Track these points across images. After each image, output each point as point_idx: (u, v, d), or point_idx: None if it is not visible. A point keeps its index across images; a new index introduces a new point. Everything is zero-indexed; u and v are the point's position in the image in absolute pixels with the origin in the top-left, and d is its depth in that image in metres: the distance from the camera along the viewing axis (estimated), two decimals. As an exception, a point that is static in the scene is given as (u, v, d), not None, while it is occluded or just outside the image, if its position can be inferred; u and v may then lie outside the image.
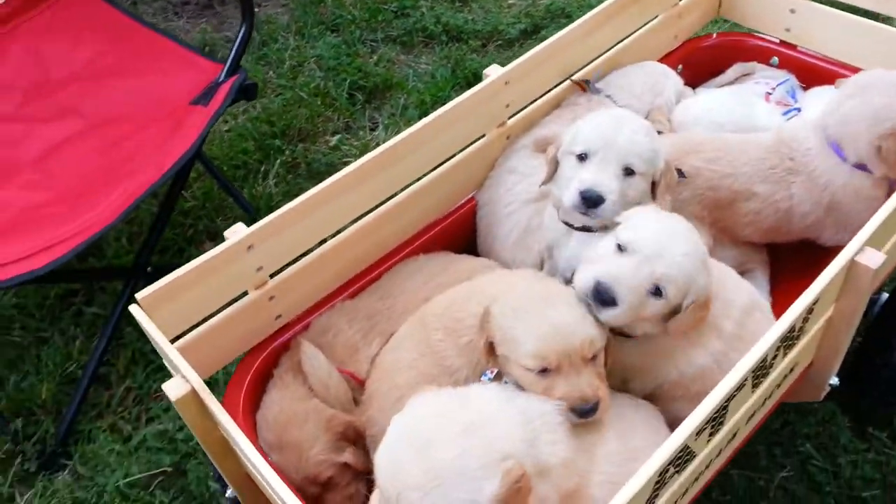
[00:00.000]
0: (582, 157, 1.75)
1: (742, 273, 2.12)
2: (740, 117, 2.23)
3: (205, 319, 1.77)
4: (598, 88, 2.34)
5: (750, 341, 1.42)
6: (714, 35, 2.76)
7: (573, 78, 2.33)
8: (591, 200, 1.67)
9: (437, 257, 2.12)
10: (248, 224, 1.75)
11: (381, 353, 1.87)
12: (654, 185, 1.77)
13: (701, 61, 2.70)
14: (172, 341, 1.72)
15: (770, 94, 2.33)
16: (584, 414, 1.46)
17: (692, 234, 1.54)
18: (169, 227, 2.88)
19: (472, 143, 2.16)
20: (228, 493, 1.91)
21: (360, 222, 2.01)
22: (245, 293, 1.83)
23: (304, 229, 1.85)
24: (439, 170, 2.12)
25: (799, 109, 2.28)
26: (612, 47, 2.46)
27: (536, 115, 2.28)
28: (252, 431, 1.78)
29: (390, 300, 1.98)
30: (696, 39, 2.73)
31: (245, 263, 1.75)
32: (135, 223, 3.02)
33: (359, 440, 1.79)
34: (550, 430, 1.40)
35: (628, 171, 1.72)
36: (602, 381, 1.49)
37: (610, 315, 1.48)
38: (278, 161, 3.23)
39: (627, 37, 2.49)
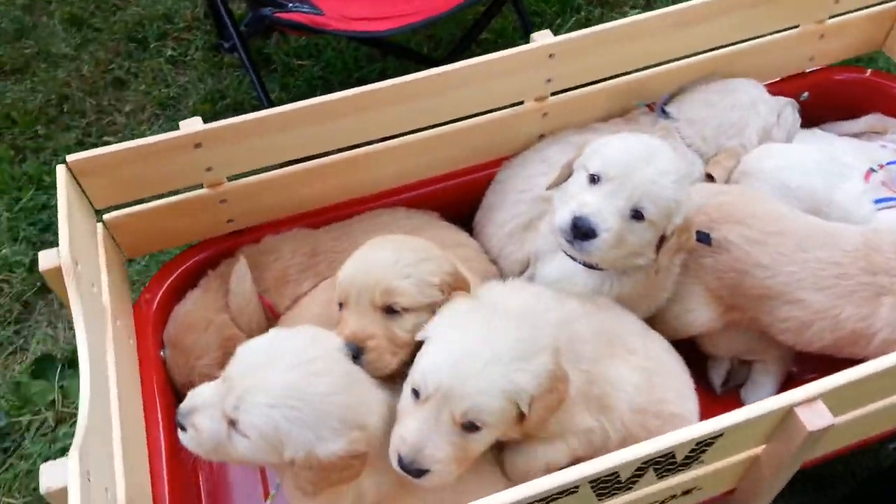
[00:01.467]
0: (594, 179, 1.48)
1: (747, 363, 1.80)
2: (817, 187, 1.79)
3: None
4: (667, 112, 1.98)
5: None
6: (868, 72, 2.25)
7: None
8: (581, 230, 1.45)
9: (418, 217, 1.95)
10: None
11: (306, 297, 1.78)
12: (663, 238, 1.49)
13: (837, 96, 2.23)
14: (102, 213, 1.74)
15: (874, 171, 1.84)
16: (353, 356, 1.36)
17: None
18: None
19: (504, 109, 1.93)
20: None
21: (345, 154, 1.88)
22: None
23: (268, 145, 1.74)
24: (457, 125, 1.93)
25: (900, 200, 1.80)
26: (716, 49, 2.06)
27: (581, 105, 1.98)
28: (156, 323, 1.77)
29: (341, 243, 1.86)
30: (839, 69, 2.24)
31: (192, 159, 1.69)
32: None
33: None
34: None
35: (637, 215, 1.46)
36: (393, 344, 1.40)
37: (594, 247, 1.43)
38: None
39: (744, 41, 2.08)
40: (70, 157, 1.59)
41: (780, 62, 2.17)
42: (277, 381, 1.24)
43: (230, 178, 1.83)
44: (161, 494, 1.50)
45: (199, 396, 1.32)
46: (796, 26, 2.13)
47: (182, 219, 1.82)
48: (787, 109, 2.06)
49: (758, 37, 2.10)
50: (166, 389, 1.70)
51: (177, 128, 1.66)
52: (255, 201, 1.86)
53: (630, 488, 1.23)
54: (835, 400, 1.20)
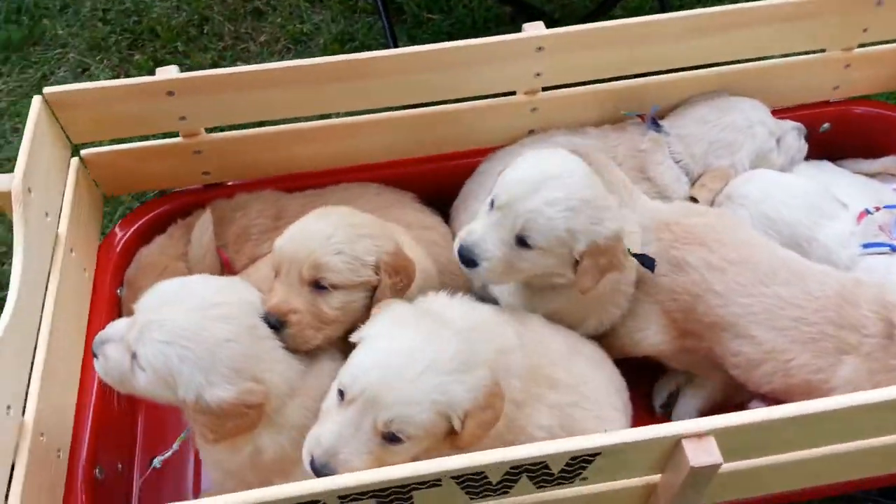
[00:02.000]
0: (491, 205, 1.46)
1: (686, 380, 1.73)
2: (800, 222, 1.68)
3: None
4: (659, 125, 1.90)
5: None
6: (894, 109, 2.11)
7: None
8: (463, 258, 1.46)
9: (389, 194, 1.94)
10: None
11: (261, 259, 1.80)
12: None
13: (858, 131, 2.10)
14: (80, 148, 1.79)
15: (870, 213, 1.72)
16: (272, 326, 1.35)
17: (565, 178, 1.41)
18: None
19: (494, 97, 1.90)
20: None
21: (326, 121, 1.88)
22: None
23: (245, 102, 1.76)
24: (444, 106, 1.91)
25: (894, 248, 1.65)
26: (728, 64, 1.96)
27: (572, 104, 1.93)
28: (118, 262, 1.82)
29: (307, 210, 1.85)
30: (862, 102, 2.11)
31: (165, 106, 1.72)
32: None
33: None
34: None
35: (522, 242, 1.43)
36: (316, 319, 1.38)
37: (476, 274, 1.46)
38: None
39: (761, 59, 1.97)
40: (47, 90, 1.65)
41: (800, 88, 2.06)
42: (177, 319, 1.26)
43: (209, 131, 1.86)
44: (83, 426, 1.53)
45: (113, 327, 1.36)
46: (822, 51, 2.01)
47: (157, 164, 1.86)
48: (791, 135, 1.94)
49: (778, 56, 1.99)
50: (115, 326, 1.74)
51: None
52: (231, 157, 1.88)
53: (505, 493, 1.19)
54: (730, 440, 1.13)
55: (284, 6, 2.99)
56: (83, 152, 1.80)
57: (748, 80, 1.98)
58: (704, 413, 1.68)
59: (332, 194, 1.91)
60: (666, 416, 1.76)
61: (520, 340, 1.37)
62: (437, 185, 1.97)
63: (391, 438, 1.16)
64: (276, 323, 1.37)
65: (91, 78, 2.71)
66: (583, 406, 1.44)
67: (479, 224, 1.47)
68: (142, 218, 1.90)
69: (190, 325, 1.25)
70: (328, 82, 1.76)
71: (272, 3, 3.01)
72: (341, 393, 1.20)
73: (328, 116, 1.93)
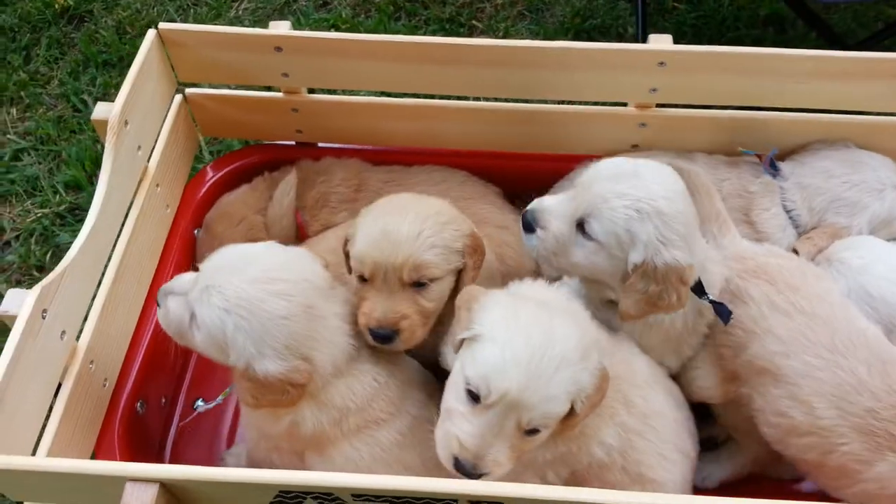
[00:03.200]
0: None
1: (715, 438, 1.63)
2: None
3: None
4: (778, 169, 1.75)
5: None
6: None
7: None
8: (525, 221, 1.46)
9: (473, 185, 1.88)
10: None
11: (331, 229, 1.79)
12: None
13: None
14: (185, 87, 1.82)
15: None
16: (378, 338, 1.36)
17: (660, 183, 1.34)
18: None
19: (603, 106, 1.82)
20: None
21: (424, 101, 1.85)
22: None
23: (348, 69, 1.74)
24: (549, 105, 1.84)
25: None
26: (859, 114, 1.79)
27: (683, 126, 1.81)
28: (201, 203, 1.86)
29: (389, 186, 1.84)
30: None
31: (270, 60, 1.72)
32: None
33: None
34: None
35: (582, 228, 1.38)
36: (423, 317, 1.39)
37: (530, 242, 1.43)
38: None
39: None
40: (162, 25, 1.67)
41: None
42: (238, 288, 1.26)
43: (310, 91, 1.85)
44: (133, 361, 1.58)
45: (178, 281, 1.37)
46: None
47: (255, 115, 1.87)
48: None
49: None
50: (186, 264, 1.78)
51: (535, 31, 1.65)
52: (326, 120, 1.87)
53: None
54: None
55: (529, -29, 2.92)
56: (188, 91, 1.83)
57: (885, 134, 1.80)
58: (731, 481, 1.59)
59: (416, 175, 1.87)
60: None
61: (608, 347, 1.32)
62: (526, 184, 1.89)
63: (532, 431, 1.18)
64: (391, 334, 1.35)
65: (331, 12, 2.84)
66: (648, 438, 1.37)
67: (553, 197, 1.45)
68: (232, 164, 1.92)
69: (249, 296, 1.25)
70: (431, 63, 1.71)
71: (516, -35, 2.94)
72: (470, 393, 1.18)
73: (432, 97, 1.89)
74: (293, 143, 1.94)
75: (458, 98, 1.84)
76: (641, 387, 1.38)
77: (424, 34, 2.69)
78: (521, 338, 1.17)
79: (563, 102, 1.84)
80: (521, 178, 1.89)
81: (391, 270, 1.36)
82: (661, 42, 1.67)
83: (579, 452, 1.31)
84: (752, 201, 1.72)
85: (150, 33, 1.66)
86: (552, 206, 1.41)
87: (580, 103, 1.82)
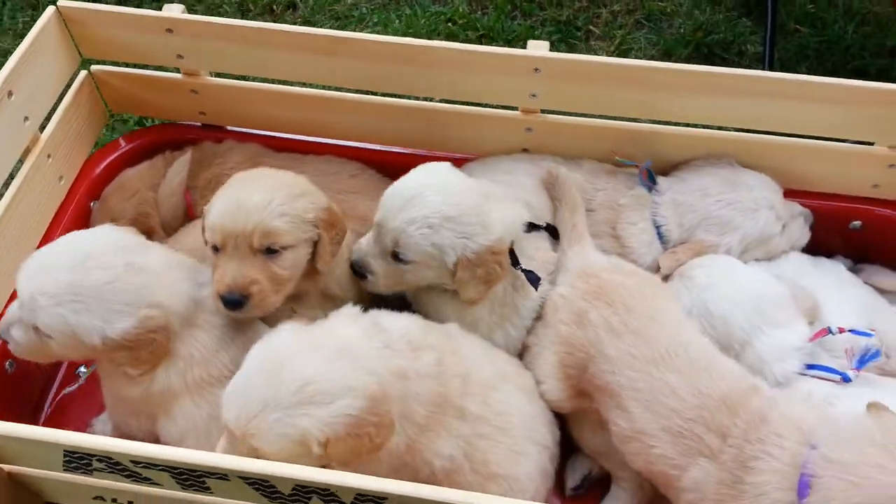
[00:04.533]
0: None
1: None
2: (738, 322, 1.51)
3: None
4: (655, 183, 1.76)
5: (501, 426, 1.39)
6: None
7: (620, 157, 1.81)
8: (355, 271, 1.58)
9: (365, 177, 1.92)
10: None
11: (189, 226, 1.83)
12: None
13: (890, 239, 1.87)
14: (89, 63, 1.88)
15: (831, 332, 1.51)
16: (228, 304, 1.40)
17: (438, 193, 1.47)
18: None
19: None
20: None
21: (322, 91, 1.90)
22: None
23: (245, 56, 1.79)
24: (440, 104, 1.88)
25: (847, 378, 1.46)
26: (749, 132, 1.80)
27: (567, 134, 1.83)
28: (99, 179, 1.91)
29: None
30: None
31: (164, 41, 1.77)
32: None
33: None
34: None
35: (397, 257, 1.51)
36: (275, 284, 1.44)
37: (368, 285, 1.56)
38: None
39: (790, 135, 1.80)
40: (62, 3, 1.73)
41: (834, 176, 1.85)
42: (56, 280, 1.31)
43: (213, 75, 1.90)
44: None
45: (9, 311, 1.42)
46: (871, 143, 1.80)
47: (156, 94, 1.93)
48: (798, 221, 1.78)
49: (811, 137, 1.80)
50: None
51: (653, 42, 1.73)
52: (227, 104, 1.92)
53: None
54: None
55: (647, -21, 2.88)
56: (94, 68, 1.90)
57: (771, 153, 1.81)
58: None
59: (309, 163, 1.91)
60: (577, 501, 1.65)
61: (438, 368, 1.34)
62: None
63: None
64: (240, 299, 1.41)
65: (447, 5, 2.87)
66: (495, 438, 1.42)
67: (365, 239, 1.56)
68: (136, 140, 1.98)
69: (69, 281, 1.30)
70: (324, 55, 1.76)
71: (635, -28, 2.90)
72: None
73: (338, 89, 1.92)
74: (199, 124, 2.00)
75: (363, 92, 1.87)
76: (479, 393, 1.41)
77: (540, 35, 2.72)
78: (243, 374, 1.24)
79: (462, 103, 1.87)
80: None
81: (241, 238, 1.41)
82: (537, 48, 1.69)
83: (417, 464, 1.33)
84: (620, 214, 1.74)
85: (50, 9, 1.72)
86: (368, 251, 1.54)
87: (473, 105, 1.85)
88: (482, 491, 1.34)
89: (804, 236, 1.80)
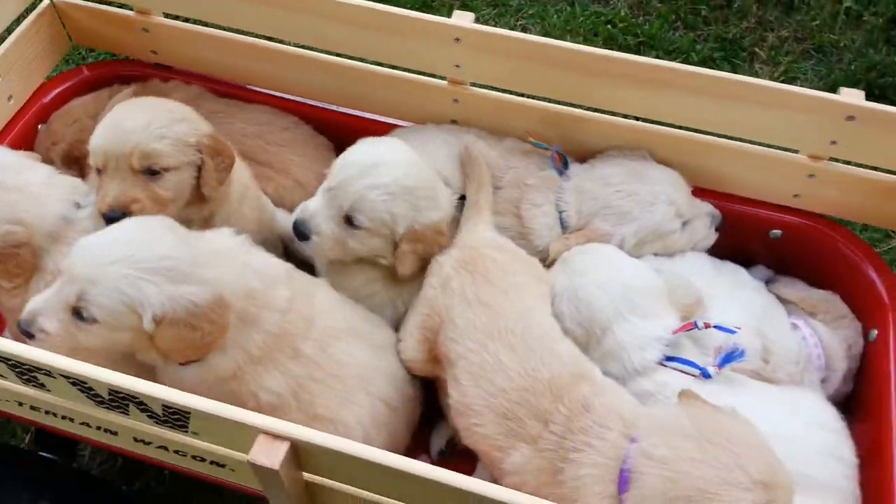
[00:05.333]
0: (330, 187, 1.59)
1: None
2: (601, 309, 1.50)
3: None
4: (567, 167, 1.78)
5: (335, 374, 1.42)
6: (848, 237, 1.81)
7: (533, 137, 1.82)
8: (298, 232, 1.59)
9: (298, 134, 1.98)
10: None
11: None
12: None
13: (806, 252, 1.84)
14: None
15: (697, 326, 1.50)
16: (110, 222, 1.44)
17: (398, 165, 1.53)
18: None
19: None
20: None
21: (270, 43, 1.96)
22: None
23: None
24: (372, 66, 1.91)
25: (706, 374, 1.45)
26: (680, 129, 1.79)
27: (492, 109, 1.86)
28: (50, 105, 2.01)
29: (216, 117, 1.95)
30: (821, 221, 1.83)
31: (115, -22, 1.86)
32: None
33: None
34: None
35: (350, 222, 1.55)
36: (157, 204, 1.50)
37: (308, 247, 1.58)
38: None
39: (724, 136, 1.78)
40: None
41: (754, 181, 1.83)
42: None
43: (167, 16, 1.98)
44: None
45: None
46: (795, 151, 1.77)
47: (112, 29, 2.01)
48: (701, 221, 1.76)
49: (738, 139, 1.78)
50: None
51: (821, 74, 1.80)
52: (177, 46, 2.00)
53: (125, 413, 1.25)
54: (314, 458, 1.11)
55: (822, 10, 2.78)
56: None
57: (692, 150, 1.80)
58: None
59: (246, 111, 1.98)
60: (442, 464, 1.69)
61: (288, 305, 1.40)
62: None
63: (79, 315, 1.27)
64: (122, 217, 1.46)
65: (609, 6, 2.85)
66: (327, 384, 1.46)
67: (314, 202, 1.58)
68: (78, 75, 2.07)
69: None
70: (278, 7, 1.81)
71: (810, 0, 2.82)
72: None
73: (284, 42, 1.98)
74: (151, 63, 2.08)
75: (307, 48, 1.92)
76: (319, 339, 1.45)
77: (702, 50, 2.67)
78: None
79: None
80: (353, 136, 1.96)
81: (122, 159, 1.48)
82: (460, 18, 1.72)
83: (243, 395, 1.38)
84: (525, 194, 1.75)
85: (11, -64, 1.82)
86: (318, 210, 1.56)
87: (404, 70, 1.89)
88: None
89: (709, 237, 1.78)
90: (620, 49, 2.64)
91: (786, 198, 1.83)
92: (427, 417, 1.67)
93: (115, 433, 1.38)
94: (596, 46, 1.58)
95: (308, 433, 1.10)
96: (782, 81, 2.42)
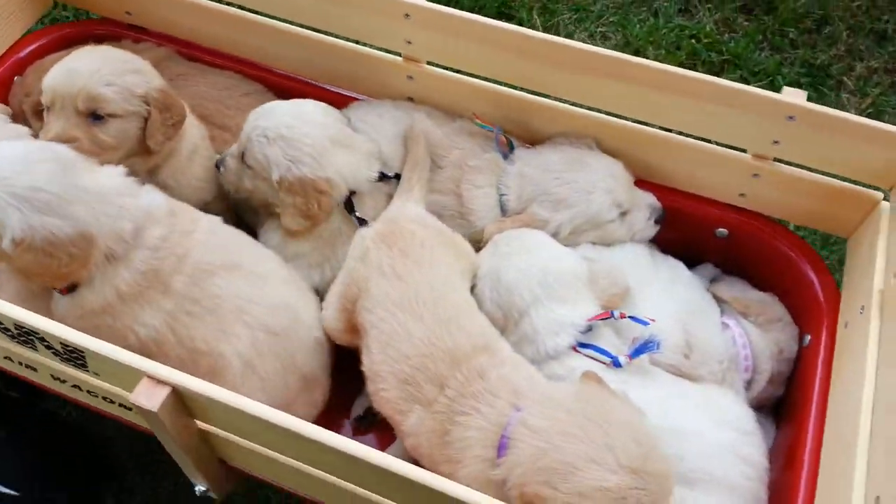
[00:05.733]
0: None
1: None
2: (520, 292, 1.53)
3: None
4: (512, 151, 1.79)
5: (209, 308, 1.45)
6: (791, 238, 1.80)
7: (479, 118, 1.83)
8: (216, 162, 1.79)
9: (258, 101, 2.01)
10: None
11: None
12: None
13: (750, 253, 1.84)
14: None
15: (613, 316, 1.52)
16: None
17: (285, 115, 1.63)
18: None
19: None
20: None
21: (240, 12, 1.99)
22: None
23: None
24: (332, 39, 1.94)
25: (616, 363, 1.47)
26: (626, 120, 1.79)
27: (445, 88, 1.87)
28: (26, 60, 2.07)
29: (184, 80, 1.99)
30: (765, 222, 1.82)
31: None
32: None
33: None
34: None
35: (244, 160, 1.68)
36: (97, 147, 1.57)
37: (221, 175, 1.77)
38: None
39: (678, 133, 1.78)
40: None
41: (701, 178, 1.82)
42: None
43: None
44: None
45: None
46: (744, 151, 1.76)
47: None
48: (641, 212, 1.76)
49: (684, 134, 1.78)
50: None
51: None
52: (150, 6, 2.05)
53: (34, 349, 1.31)
54: (197, 405, 1.15)
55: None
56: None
57: (639, 142, 1.80)
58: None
59: (209, 75, 2.03)
60: (360, 431, 1.73)
61: (159, 244, 1.44)
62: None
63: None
64: None
65: (693, 20, 2.78)
66: (202, 318, 1.48)
67: (237, 144, 1.73)
68: (54, 33, 2.13)
69: None
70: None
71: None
72: None
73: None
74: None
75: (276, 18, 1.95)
76: (191, 274, 1.47)
77: (788, 74, 2.62)
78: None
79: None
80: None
81: (68, 99, 1.55)
82: (409, -6, 1.73)
83: (121, 330, 1.43)
84: (466, 175, 1.77)
85: None
86: (231, 151, 1.72)
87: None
88: (192, 366, 1.43)
89: (648, 228, 1.78)
90: (703, 66, 2.62)
91: (732, 196, 1.82)
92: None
93: (35, 369, 1.43)
94: (679, 60, 1.58)
95: (185, 379, 1.14)
96: (869, 114, 2.48)
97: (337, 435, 1.10)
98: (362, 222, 1.65)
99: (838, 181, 1.71)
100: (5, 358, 1.45)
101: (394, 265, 1.48)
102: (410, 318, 1.40)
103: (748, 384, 1.69)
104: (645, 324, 1.51)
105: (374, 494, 1.27)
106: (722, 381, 1.64)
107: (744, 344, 1.69)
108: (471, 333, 1.39)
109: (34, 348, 1.30)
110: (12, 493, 1.71)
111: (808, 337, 1.70)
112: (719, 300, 1.78)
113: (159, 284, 1.43)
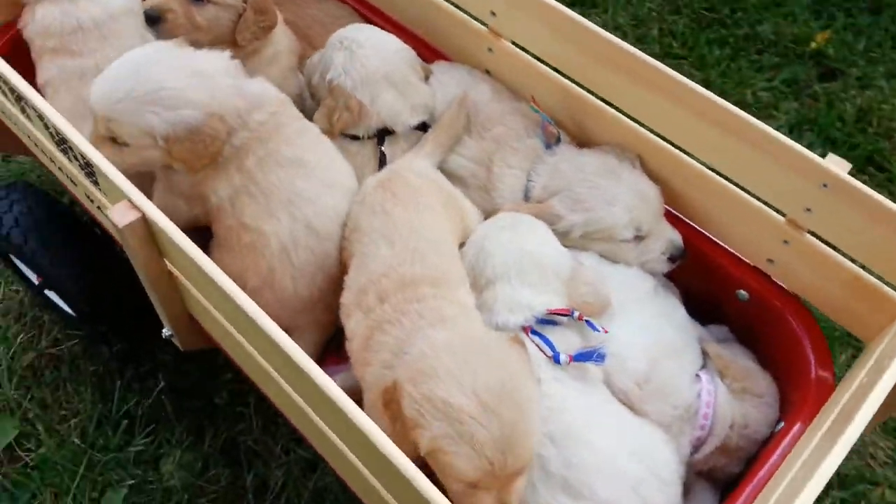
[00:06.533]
0: None
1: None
2: (493, 266, 1.58)
3: None
4: (557, 142, 1.82)
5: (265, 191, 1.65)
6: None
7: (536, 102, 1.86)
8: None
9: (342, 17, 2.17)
10: None
11: None
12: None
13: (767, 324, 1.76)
14: None
15: (572, 316, 1.51)
16: (147, 19, 1.77)
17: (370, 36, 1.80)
18: None
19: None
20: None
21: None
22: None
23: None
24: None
25: (556, 359, 1.47)
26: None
27: (522, 69, 1.92)
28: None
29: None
30: (786, 299, 1.73)
31: None
32: None
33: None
34: None
35: None
36: (189, 21, 1.79)
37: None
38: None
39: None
40: None
41: (736, 232, 1.76)
42: None
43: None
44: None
45: None
46: (782, 214, 1.67)
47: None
48: (658, 242, 1.74)
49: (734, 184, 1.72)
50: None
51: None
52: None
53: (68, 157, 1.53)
54: (162, 238, 1.33)
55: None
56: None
57: (687, 178, 1.76)
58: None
59: (325, 3, 2.19)
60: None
61: (256, 126, 1.63)
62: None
63: (114, 139, 1.56)
64: (156, 16, 1.76)
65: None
66: (255, 198, 1.65)
67: None
68: None
69: None
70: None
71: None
72: None
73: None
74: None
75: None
76: (264, 159, 1.62)
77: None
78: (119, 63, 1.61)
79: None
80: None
81: None
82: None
83: (204, 193, 1.64)
84: (502, 153, 1.82)
85: None
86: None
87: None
88: (237, 239, 1.62)
89: (660, 262, 1.75)
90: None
91: (760, 260, 1.74)
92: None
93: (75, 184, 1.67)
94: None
95: (152, 211, 1.30)
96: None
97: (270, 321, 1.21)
98: (383, 158, 1.75)
99: (872, 278, 1.60)
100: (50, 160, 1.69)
101: (384, 203, 1.59)
102: (384, 244, 1.52)
103: (699, 443, 1.63)
104: (596, 330, 1.51)
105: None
106: (669, 426, 1.59)
107: (708, 403, 1.62)
108: (429, 266, 1.48)
109: (69, 158, 1.53)
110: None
111: (781, 424, 1.62)
112: (706, 356, 1.72)
113: (237, 160, 1.61)
